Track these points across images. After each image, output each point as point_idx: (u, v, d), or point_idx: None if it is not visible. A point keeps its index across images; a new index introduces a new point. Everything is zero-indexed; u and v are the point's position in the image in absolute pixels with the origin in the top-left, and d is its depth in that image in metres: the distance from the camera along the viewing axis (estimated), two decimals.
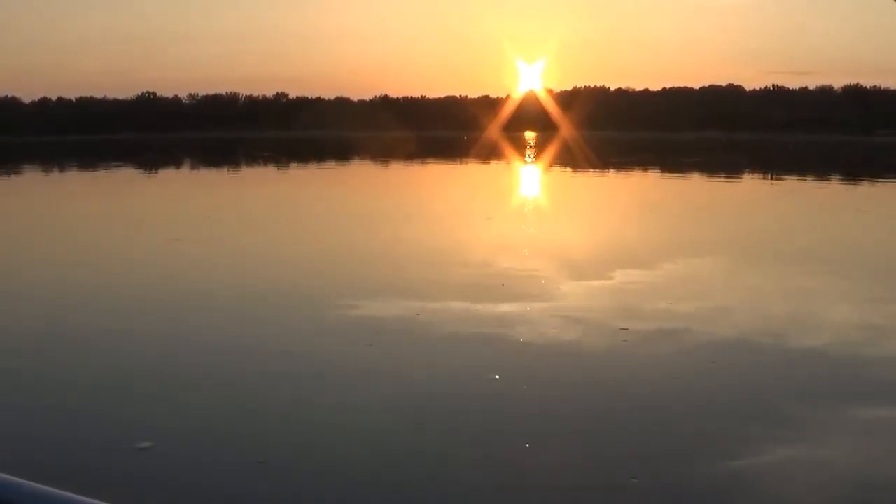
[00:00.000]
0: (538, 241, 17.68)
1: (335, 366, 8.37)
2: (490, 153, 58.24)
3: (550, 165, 50.40)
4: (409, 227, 19.55)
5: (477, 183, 38.18)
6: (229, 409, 7.09)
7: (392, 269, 13.76)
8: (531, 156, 60.52)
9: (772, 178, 39.08)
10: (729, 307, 10.98)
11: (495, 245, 16.38)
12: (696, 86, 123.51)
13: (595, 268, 13.46)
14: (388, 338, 9.33)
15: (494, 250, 15.51)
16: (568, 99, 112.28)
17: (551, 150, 64.28)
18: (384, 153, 57.36)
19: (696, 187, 33.53)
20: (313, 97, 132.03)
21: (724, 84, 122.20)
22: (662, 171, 42.50)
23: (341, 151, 60.93)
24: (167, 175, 44.81)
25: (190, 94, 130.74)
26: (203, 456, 6.14)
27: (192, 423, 6.77)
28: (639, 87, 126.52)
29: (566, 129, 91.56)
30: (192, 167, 51.47)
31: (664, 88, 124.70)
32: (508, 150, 65.56)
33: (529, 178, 41.80)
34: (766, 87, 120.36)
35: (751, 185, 36.06)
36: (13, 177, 43.00)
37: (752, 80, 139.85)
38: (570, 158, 52.04)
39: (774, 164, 50.00)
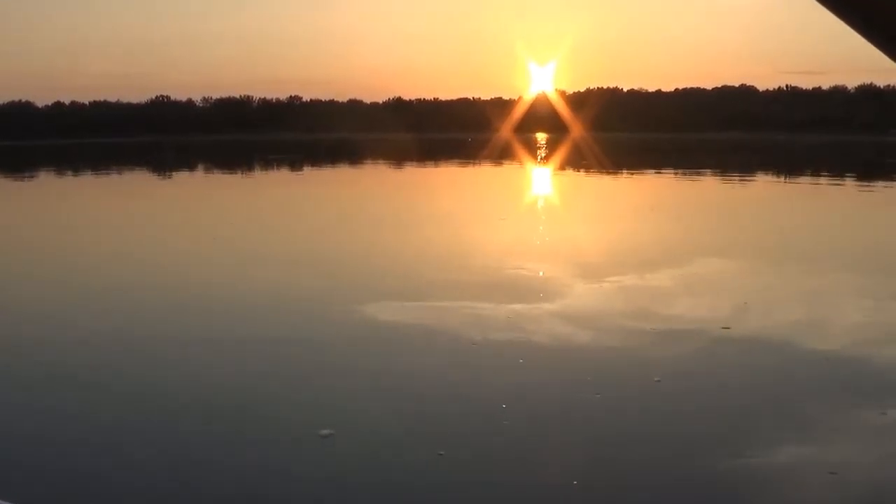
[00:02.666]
0: (581, 245, 16.99)
1: (456, 364, 8.30)
2: (501, 155, 58.24)
3: (561, 167, 50.36)
4: (450, 230, 19.41)
5: (495, 184, 38.22)
6: (388, 402, 7.21)
7: (448, 272, 13.56)
8: (542, 157, 60.54)
9: (787, 179, 38.92)
10: (804, 307, 10.93)
11: (539, 248, 16.43)
12: (709, 86, 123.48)
13: (651, 268, 13.46)
14: (501, 337, 9.20)
15: (541, 253, 15.58)
16: (580, 100, 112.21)
17: (562, 152, 64.23)
18: (398, 155, 57.47)
19: (713, 188, 33.42)
20: (326, 100, 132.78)
21: (736, 84, 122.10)
22: (676, 173, 42.39)
23: (355, 154, 61.08)
24: (186, 178, 45.02)
25: (204, 98, 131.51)
26: (380, 448, 6.23)
27: (365, 415, 6.89)
28: (651, 88, 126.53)
29: (577, 130, 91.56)
30: (209, 170, 51.68)
31: (677, 89, 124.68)
32: (520, 152, 65.54)
33: (546, 180, 41.82)
34: (779, 88, 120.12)
35: (769, 186, 35.80)
36: (28, 181, 43.34)
37: (765, 81, 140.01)
38: (580, 160, 51.97)
39: (789, 164, 49.80)
